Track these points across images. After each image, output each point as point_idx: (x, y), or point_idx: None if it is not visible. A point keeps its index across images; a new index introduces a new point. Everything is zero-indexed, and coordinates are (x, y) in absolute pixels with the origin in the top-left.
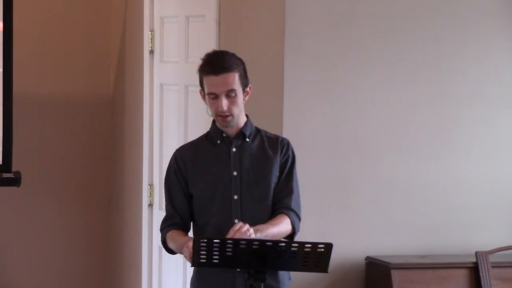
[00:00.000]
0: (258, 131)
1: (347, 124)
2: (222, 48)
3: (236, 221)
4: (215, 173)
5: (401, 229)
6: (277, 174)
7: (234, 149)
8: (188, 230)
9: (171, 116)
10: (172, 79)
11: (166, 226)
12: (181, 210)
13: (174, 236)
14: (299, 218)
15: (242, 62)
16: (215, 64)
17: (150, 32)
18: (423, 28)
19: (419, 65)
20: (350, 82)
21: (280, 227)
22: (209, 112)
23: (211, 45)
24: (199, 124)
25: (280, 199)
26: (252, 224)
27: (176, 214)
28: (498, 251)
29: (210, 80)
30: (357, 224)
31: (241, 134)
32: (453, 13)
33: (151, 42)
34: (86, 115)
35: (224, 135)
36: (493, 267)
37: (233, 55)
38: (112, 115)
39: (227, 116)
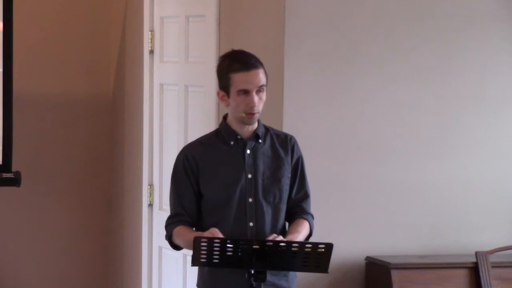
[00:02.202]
0: (267, 129)
1: (347, 124)
2: (222, 48)
3: (251, 224)
4: (230, 175)
5: (401, 229)
6: (289, 175)
7: (248, 151)
8: (195, 227)
9: (171, 116)
10: (172, 79)
11: (173, 222)
12: (190, 208)
13: (183, 232)
14: (313, 217)
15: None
16: (245, 61)
17: (150, 32)
18: (424, 29)
19: (419, 66)
20: (350, 82)
21: (303, 234)
22: (236, 111)
23: (211, 45)
24: (199, 124)
25: (297, 203)
26: (268, 227)
27: (184, 212)
28: (498, 251)
29: (241, 76)
30: (357, 224)
31: (255, 135)
32: (453, 13)
33: (151, 42)
34: (86, 115)
35: (238, 136)
36: (493, 267)
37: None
38: (112, 115)
39: (255, 113)
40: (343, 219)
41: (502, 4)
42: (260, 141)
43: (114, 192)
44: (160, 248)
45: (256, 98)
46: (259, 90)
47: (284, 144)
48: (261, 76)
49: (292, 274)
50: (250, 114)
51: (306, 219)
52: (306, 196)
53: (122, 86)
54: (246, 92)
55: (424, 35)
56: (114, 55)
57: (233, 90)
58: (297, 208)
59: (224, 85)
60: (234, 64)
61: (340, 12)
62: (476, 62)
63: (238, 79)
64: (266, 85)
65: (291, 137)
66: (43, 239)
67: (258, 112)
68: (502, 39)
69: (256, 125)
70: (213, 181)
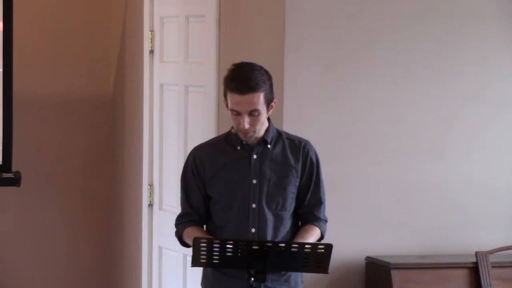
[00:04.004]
0: (279, 134)
1: (347, 124)
2: (222, 48)
3: (253, 230)
4: (234, 179)
5: (401, 229)
6: (297, 184)
7: (255, 156)
8: (206, 226)
9: (171, 116)
10: (172, 79)
11: (183, 222)
12: (198, 208)
13: (193, 233)
14: (326, 221)
15: (269, 77)
16: (241, 81)
17: (150, 32)
18: (423, 28)
19: (419, 65)
20: (350, 82)
21: (311, 240)
22: (232, 124)
23: (211, 45)
24: (199, 124)
25: (310, 210)
26: (270, 234)
27: (193, 212)
28: (498, 251)
29: (233, 97)
30: (357, 224)
31: (262, 141)
32: (453, 13)
33: (151, 42)
34: (86, 115)
35: (244, 142)
36: (493, 267)
37: (261, 70)
38: (112, 115)
39: (249, 132)
40: (343, 219)
41: (502, 4)
42: (268, 146)
43: (114, 192)
44: (160, 248)
45: (247, 120)
46: (251, 113)
47: (296, 151)
48: (255, 100)
49: (295, 279)
50: (242, 132)
51: (316, 225)
52: (319, 203)
53: (122, 86)
54: (238, 113)
55: (424, 35)
56: (114, 55)
57: (228, 107)
58: (309, 215)
59: (224, 96)
60: (231, 82)
61: (340, 12)
62: (476, 61)
63: (232, 99)
64: (270, 104)
65: (306, 144)
66: (43, 239)
67: (253, 131)
68: (502, 38)
69: (263, 131)
70: (217, 184)
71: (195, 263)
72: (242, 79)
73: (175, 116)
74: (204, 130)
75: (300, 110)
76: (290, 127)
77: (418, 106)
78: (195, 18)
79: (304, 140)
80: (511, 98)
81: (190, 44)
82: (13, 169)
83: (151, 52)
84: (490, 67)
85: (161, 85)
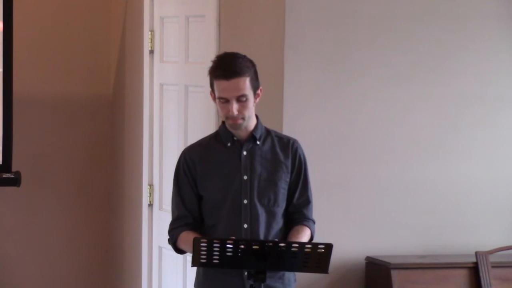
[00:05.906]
0: (268, 132)
1: (347, 124)
2: (222, 48)
3: (245, 226)
4: (225, 176)
5: (401, 229)
6: (287, 180)
7: (244, 153)
8: (200, 229)
9: (171, 116)
10: (172, 79)
11: (177, 227)
12: (193, 210)
13: (189, 237)
14: (314, 222)
15: (253, 64)
16: (226, 68)
17: (150, 32)
18: (424, 28)
19: (419, 65)
20: (350, 82)
21: (304, 240)
22: (221, 115)
23: (211, 45)
24: (199, 124)
25: (298, 209)
26: (262, 230)
27: (188, 214)
28: (498, 251)
29: (220, 84)
30: (357, 224)
31: (252, 137)
32: (454, 13)
33: (151, 42)
34: (86, 115)
35: (234, 138)
36: (493, 267)
37: (244, 57)
38: (112, 115)
39: (238, 119)
40: (343, 219)
41: (502, 4)
42: (258, 142)
43: (114, 192)
44: (160, 248)
45: (235, 106)
46: (239, 99)
47: (285, 148)
48: (241, 85)
49: (288, 276)
50: (231, 120)
51: (307, 225)
52: (307, 202)
53: (122, 86)
54: (226, 100)
55: (423, 35)
56: (114, 55)
57: (216, 96)
58: (298, 214)
59: (211, 87)
60: (216, 70)
61: (340, 12)
62: (476, 61)
63: (218, 87)
64: (256, 91)
65: (294, 142)
66: (43, 239)
67: (241, 118)
68: (502, 38)
69: (252, 126)
70: (209, 182)
71: (195, 263)
72: (227, 66)
73: (175, 116)
74: (204, 130)
75: (299, 110)
76: (290, 127)
77: (418, 106)
78: (195, 18)
79: (292, 138)
80: (511, 99)
81: (190, 44)
82: (13, 169)
83: (151, 52)
84: (491, 67)
85: (161, 85)
